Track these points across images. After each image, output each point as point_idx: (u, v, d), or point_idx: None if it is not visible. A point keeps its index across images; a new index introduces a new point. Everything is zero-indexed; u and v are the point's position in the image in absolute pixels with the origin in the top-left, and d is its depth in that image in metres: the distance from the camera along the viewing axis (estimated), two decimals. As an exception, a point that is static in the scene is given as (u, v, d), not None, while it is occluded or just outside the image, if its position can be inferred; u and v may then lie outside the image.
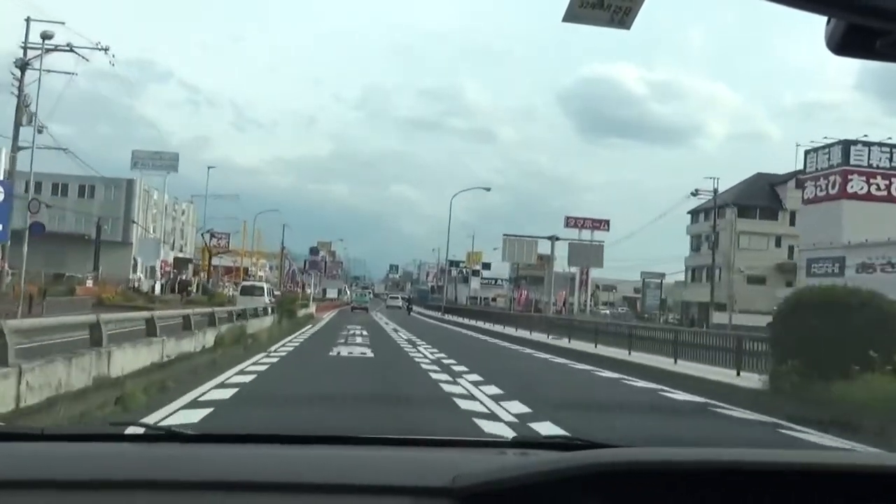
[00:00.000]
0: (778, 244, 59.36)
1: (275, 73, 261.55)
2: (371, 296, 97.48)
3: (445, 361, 18.00)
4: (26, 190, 33.69)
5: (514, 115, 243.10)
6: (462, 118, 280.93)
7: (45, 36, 31.30)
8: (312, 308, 45.11)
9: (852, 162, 39.47)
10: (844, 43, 0.94)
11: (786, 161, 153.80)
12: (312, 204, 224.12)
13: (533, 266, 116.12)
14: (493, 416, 9.53)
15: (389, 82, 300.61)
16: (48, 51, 31.16)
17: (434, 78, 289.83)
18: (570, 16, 4.85)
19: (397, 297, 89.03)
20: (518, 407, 10.31)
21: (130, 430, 2.03)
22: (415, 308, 74.73)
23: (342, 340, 24.35)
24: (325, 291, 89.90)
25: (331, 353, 19.09)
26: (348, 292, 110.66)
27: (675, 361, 18.58)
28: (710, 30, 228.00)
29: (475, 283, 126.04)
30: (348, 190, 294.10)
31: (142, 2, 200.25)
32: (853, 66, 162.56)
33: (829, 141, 40.82)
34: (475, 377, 14.14)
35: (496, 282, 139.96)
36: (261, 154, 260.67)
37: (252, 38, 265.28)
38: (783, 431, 9.81)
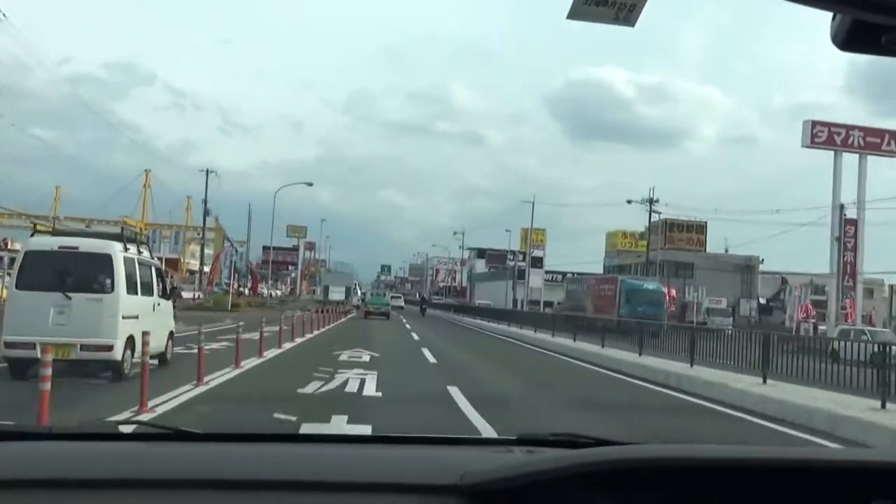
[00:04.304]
0: None
1: (262, 76, 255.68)
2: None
3: None
4: None
5: (502, 118, 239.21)
6: (450, 122, 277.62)
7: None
8: None
9: None
10: (850, 38, 0.94)
11: (778, 164, 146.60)
12: (301, 208, 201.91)
13: (674, 244, 67.40)
14: None
15: (377, 86, 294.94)
16: None
17: (422, 81, 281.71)
18: (574, 13, 4.70)
19: (399, 297, 71.31)
20: None
21: (138, 429, 2.06)
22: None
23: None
24: (326, 291, 57.86)
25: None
26: (359, 292, 69.92)
27: None
28: (701, 32, 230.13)
29: (536, 278, 76.92)
30: (335, 194, 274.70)
31: (125, 4, 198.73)
32: (842, 68, 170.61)
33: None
34: None
35: (563, 278, 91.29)
36: (248, 158, 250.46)
37: (239, 42, 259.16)
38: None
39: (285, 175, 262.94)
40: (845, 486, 1.29)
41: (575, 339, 21.51)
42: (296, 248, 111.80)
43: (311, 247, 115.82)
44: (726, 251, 62.36)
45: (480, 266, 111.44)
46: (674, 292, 53.94)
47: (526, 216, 72.35)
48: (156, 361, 11.93)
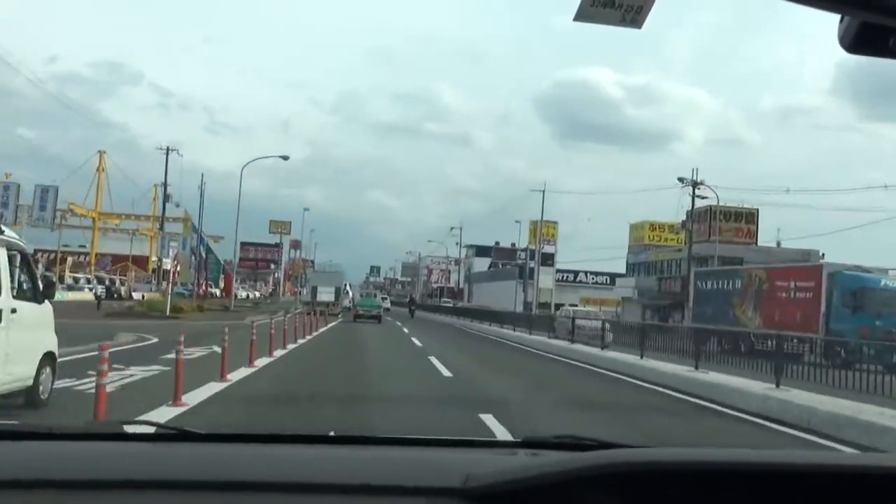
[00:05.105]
0: None
1: (248, 76, 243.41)
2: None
3: None
4: None
5: (491, 120, 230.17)
6: (438, 122, 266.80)
7: None
8: None
9: None
10: (857, 41, 0.94)
11: (765, 166, 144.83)
12: (287, 209, 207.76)
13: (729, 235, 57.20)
14: None
15: (365, 86, 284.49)
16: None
17: (410, 81, 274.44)
18: (581, 15, 4.32)
19: (386, 298, 70.35)
20: None
21: (141, 429, 2.00)
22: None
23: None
24: (315, 292, 50.44)
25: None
26: (350, 293, 61.67)
27: None
28: (689, 34, 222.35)
29: (546, 277, 68.13)
30: (323, 195, 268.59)
31: (109, 2, 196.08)
32: (829, 71, 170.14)
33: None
34: None
35: (575, 277, 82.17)
36: (234, 158, 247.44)
37: (226, 41, 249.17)
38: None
39: (273, 175, 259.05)
40: (856, 491, 1.26)
41: (778, 385, 11.09)
42: (278, 245, 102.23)
43: (296, 245, 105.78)
44: (778, 244, 53.30)
45: (479, 265, 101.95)
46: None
47: (516, 215, 63.29)
48: (21, 400, 8.29)
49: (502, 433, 7.17)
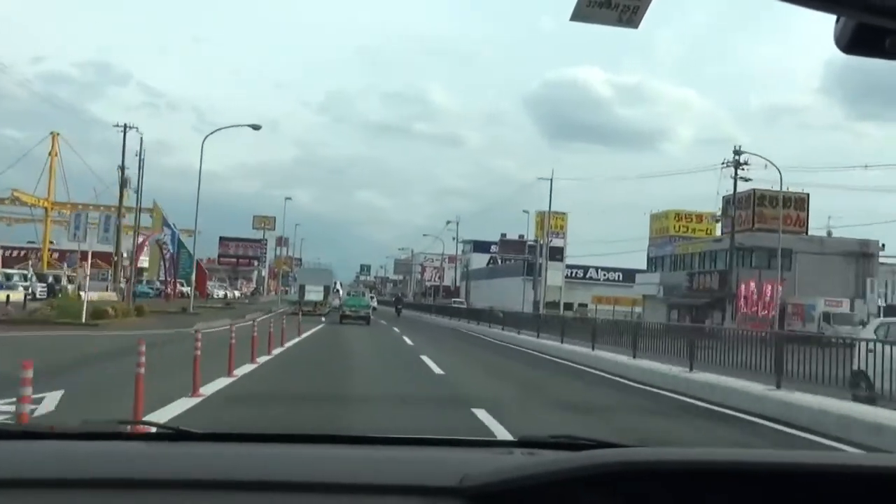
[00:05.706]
0: None
1: (239, 76, 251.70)
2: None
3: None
4: None
5: (481, 119, 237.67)
6: (428, 122, 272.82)
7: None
8: None
9: None
10: (854, 42, 0.94)
11: (753, 166, 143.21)
12: (277, 210, 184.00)
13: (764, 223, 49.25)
14: None
15: (354, 86, 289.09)
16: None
17: (400, 82, 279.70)
18: (578, 15, 4.49)
19: (374, 297, 67.08)
20: None
21: (139, 428, 2.00)
22: None
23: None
24: (302, 290, 46.64)
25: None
26: (341, 292, 59.64)
27: None
28: (681, 34, 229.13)
29: (555, 273, 61.99)
30: (313, 195, 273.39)
31: (100, 3, 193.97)
32: (818, 71, 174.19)
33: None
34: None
35: (585, 274, 75.51)
36: (223, 159, 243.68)
37: (215, 41, 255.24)
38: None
39: (263, 176, 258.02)
40: (858, 492, 1.24)
41: None
42: (260, 241, 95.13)
43: (282, 243, 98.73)
44: (829, 234, 46.77)
45: (477, 261, 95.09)
46: (780, 288, 38.15)
47: (507, 215, 56.45)
48: None
49: None
